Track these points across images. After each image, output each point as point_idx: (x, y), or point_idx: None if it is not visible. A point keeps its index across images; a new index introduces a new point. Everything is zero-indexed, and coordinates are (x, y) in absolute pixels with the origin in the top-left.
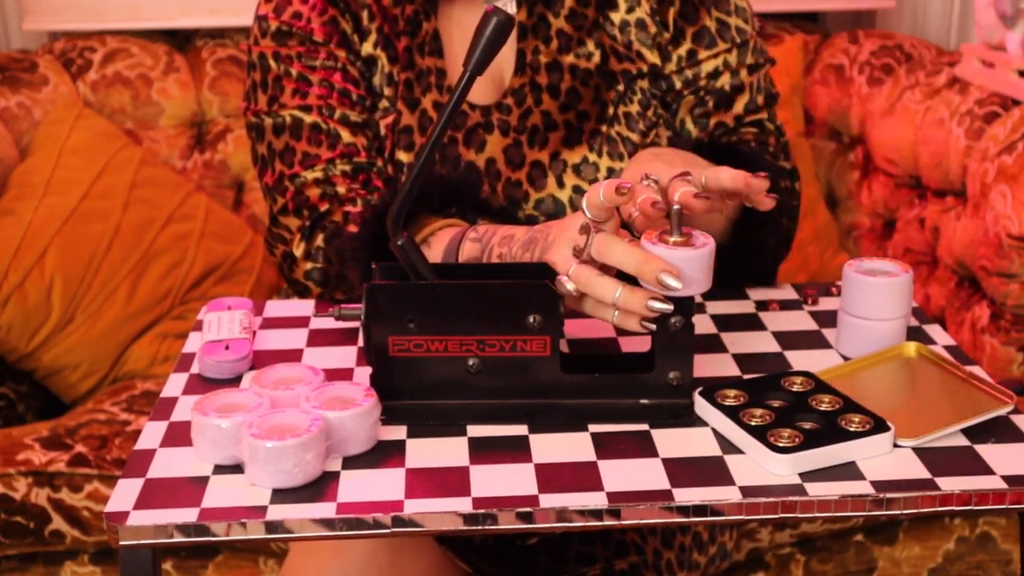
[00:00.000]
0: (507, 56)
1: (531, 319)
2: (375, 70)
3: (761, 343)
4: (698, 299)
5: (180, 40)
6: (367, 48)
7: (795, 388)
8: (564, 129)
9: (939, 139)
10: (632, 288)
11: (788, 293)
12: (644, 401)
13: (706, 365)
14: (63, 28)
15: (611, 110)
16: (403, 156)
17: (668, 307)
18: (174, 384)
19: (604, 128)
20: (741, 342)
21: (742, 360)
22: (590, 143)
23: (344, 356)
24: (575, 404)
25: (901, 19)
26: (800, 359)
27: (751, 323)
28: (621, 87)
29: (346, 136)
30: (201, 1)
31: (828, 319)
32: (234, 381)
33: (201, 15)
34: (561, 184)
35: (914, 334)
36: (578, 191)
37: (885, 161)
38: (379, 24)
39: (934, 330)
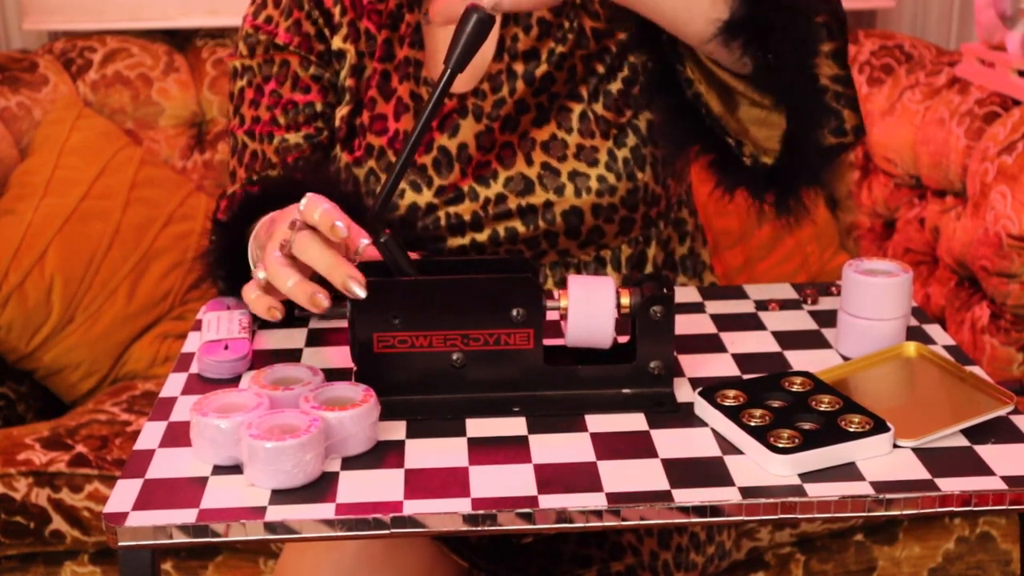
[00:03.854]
0: (488, 43)
1: (514, 313)
2: (343, 63)
3: (761, 343)
4: (697, 299)
5: (180, 40)
6: (337, 42)
7: (795, 388)
8: (536, 111)
9: (939, 139)
10: (303, 281)
11: (788, 293)
12: (626, 391)
13: (706, 365)
14: (63, 28)
15: (587, 88)
16: (375, 141)
17: (326, 303)
18: (173, 384)
19: (571, 104)
20: (741, 342)
21: (742, 360)
22: (558, 120)
23: (343, 356)
24: (559, 395)
25: (901, 19)
26: (800, 359)
27: (751, 323)
28: (602, 69)
29: (276, 162)
30: (201, 1)
31: (828, 319)
32: (233, 381)
33: (201, 15)
34: (530, 162)
35: (914, 334)
36: (546, 168)
37: (885, 161)
38: (351, 18)
39: (934, 330)
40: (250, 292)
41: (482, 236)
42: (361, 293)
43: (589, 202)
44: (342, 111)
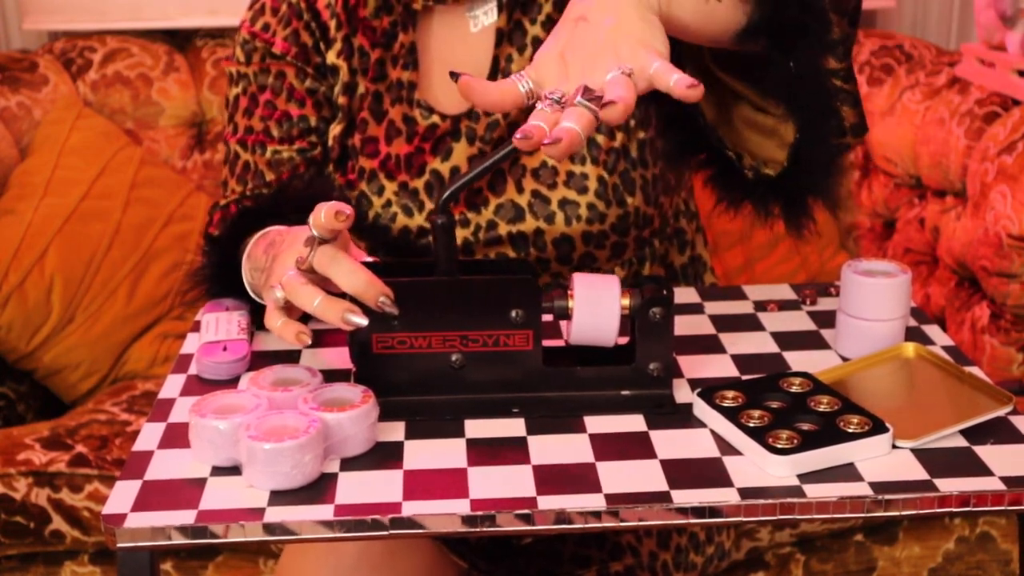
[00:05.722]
0: (483, 63)
1: (514, 314)
2: (336, 79)
3: (760, 344)
4: (697, 299)
5: (180, 40)
6: (331, 57)
7: (794, 389)
8: None
9: (939, 139)
10: (331, 299)
11: (786, 293)
12: (625, 392)
13: (704, 366)
14: (63, 28)
15: None
16: (367, 164)
17: (363, 321)
18: (172, 385)
19: None
20: (740, 343)
21: (740, 361)
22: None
23: (342, 357)
24: (558, 396)
25: (901, 19)
26: (799, 360)
27: (749, 323)
28: None
29: (269, 175)
30: (201, 1)
31: (827, 319)
32: (232, 382)
33: (201, 15)
34: (520, 189)
35: (913, 335)
36: (536, 195)
37: (885, 161)
38: (346, 33)
39: (933, 331)
40: (274, 320)
41: None
42: (394, 310)
43: (579, 230)
44: (335, 130)
